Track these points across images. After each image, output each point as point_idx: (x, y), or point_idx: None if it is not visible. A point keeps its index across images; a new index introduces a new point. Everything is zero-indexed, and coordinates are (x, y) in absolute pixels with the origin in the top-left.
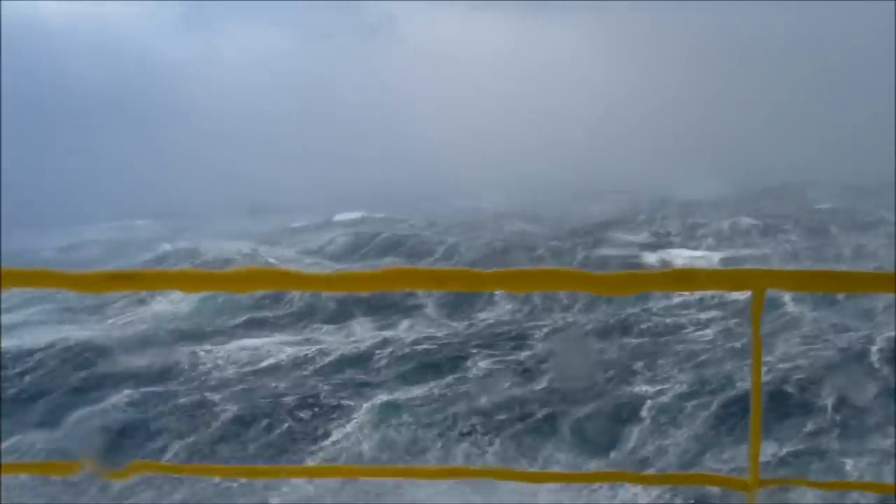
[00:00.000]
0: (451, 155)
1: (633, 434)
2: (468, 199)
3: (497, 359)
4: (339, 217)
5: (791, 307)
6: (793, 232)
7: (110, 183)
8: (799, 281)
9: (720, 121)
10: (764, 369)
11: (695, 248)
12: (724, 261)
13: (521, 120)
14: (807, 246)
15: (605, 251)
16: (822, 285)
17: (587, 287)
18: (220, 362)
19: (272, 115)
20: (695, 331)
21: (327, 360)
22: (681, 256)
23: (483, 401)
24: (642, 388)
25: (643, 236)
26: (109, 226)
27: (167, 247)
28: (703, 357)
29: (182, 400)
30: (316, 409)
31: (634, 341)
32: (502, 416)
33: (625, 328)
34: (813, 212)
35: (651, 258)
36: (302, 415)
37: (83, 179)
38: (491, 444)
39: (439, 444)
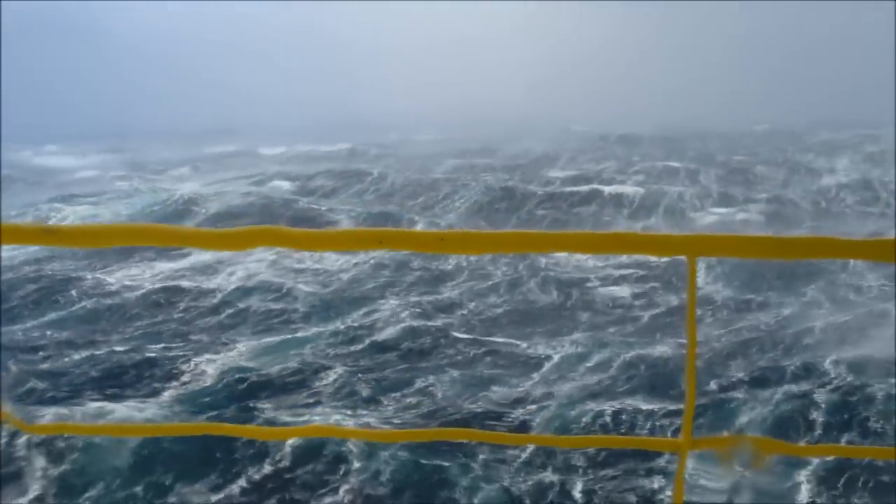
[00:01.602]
0: (390, 94)
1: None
2: (403, 133)
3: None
4: (265, 150)
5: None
6: (714, 173)
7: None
8: (733, 247)
9: (654, 66)
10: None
11: (623, 183)
12: (645, 194)
13: (459, 61)
14: (723, 190)
15: (542, 188)
16: (756, 252)
17: (514, 247)
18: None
19: (202, 47)
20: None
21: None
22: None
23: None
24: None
25: (572, 172)
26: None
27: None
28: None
29: None
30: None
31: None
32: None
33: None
34: (738, 153)
35: (583, 189)
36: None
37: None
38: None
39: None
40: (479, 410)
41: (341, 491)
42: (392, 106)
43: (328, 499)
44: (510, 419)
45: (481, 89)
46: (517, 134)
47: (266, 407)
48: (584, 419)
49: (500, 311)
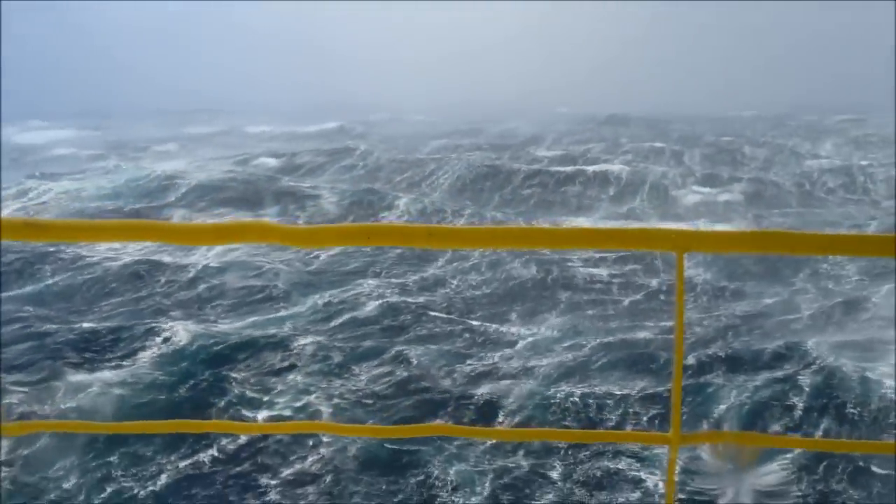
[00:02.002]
0: (378, 79)
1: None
2: (390, 113)
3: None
4: (251, 129)
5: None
6: (699, 154)
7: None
8: (721, 242)
9: (646, 55)
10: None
11: (608, 163)
12: (630, 173)
13: (444, 47)
14: (708, 171)
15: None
16: (744, 246)
17: (500, 243)
18: None
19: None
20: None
21: None
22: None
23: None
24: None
25: (559, 152)
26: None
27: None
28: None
29: None
30: None
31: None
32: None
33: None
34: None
35: (569, 169)
36: None
37: None
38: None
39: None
40: (453, 383)
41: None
42: (381, 90)
43: (298, 466)
44: (484, 393)
45: (471, 75)
46: (504, 115)
47: (240, 375)
48: (559, 396)
49: (480, 291)
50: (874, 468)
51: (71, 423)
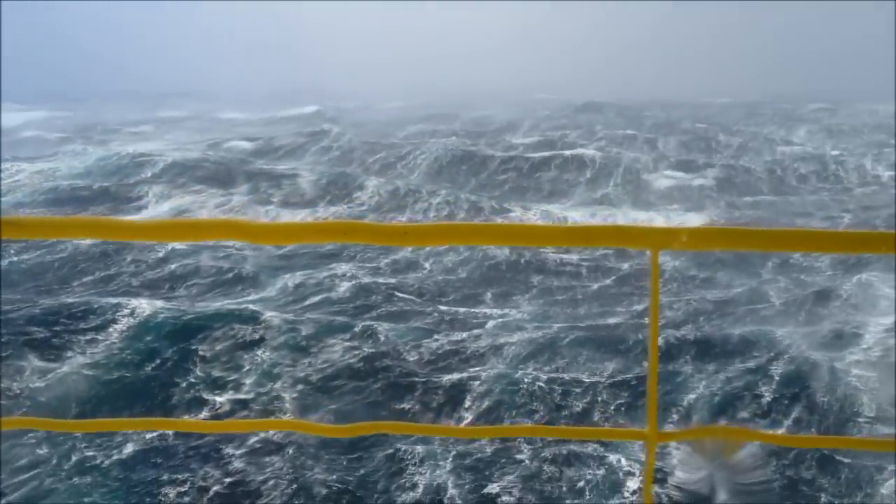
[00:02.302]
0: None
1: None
2: (364, 101)
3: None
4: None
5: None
6: (674, 140)
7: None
8: (696, 239)
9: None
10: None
11: (584, 147)
12: (604, 158)
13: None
14: (681, 157)
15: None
16: (718, 243)
17: (476, 239)
18: None
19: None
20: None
21: None
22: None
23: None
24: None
25: (535, 138)
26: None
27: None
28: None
29: None
30: None
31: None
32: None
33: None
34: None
35: (545, 154)
36: None
37: None
38: None
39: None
40: (421, 361)
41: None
42: (356, 81)
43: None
44: (453, 376)
45: (448, 62)
46: (480, 102)
47: (205, 352)
48: (527, 379)
49: (454, 277)
50: (840, 458)
51: (61, 422)
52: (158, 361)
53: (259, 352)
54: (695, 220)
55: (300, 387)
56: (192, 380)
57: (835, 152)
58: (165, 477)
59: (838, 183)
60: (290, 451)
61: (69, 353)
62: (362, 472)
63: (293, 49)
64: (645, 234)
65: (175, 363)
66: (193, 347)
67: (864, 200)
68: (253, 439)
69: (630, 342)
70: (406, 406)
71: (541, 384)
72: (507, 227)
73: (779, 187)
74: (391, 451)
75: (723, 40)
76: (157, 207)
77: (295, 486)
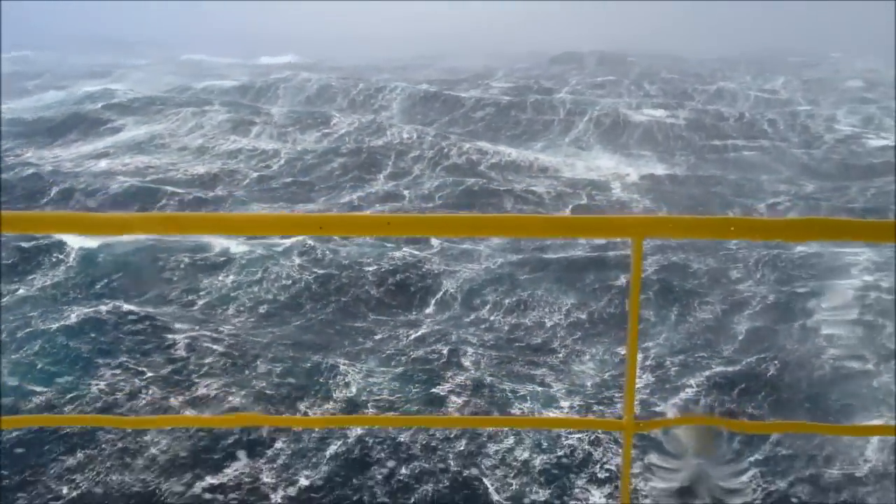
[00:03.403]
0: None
1: None
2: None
3: None
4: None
5: None
6: (656, 88)
7: None
8: (679, 228)
9: None
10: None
11: (559, 92)
12: (578, 99)
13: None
14: (658, 100)
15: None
16: (701, 232)
17: (459, 231)
18: None
19: None
20: None
21: None
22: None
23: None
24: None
25: (510, 84)
26: None
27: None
28: None
29: None
30: None
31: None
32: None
33: None
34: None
35: (520, 98)
36: None
37: None
38: None
39: None
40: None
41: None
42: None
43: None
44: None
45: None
46: (456, 51)
47: (174, 290)
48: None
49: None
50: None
51: (60, 416)
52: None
53: (221, 276)
54: (661, 168)
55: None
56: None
57: (806, 107)
58: None
59: (805, 132)
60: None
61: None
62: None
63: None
64: (628, 224)
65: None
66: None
67: (833, 151)
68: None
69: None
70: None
71: (498, 315)
72: (493, 218)
73: (746, 131)
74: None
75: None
76: (132, 131)
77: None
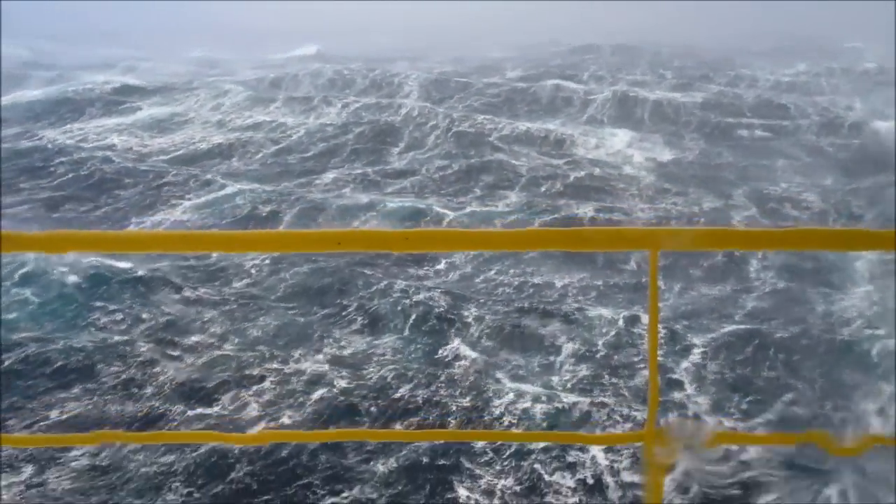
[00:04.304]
0: None
1: None
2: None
3: None
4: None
5: None
6: (668, 73)
7: None
8: (694, 240)
9: None
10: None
11: (573, 78)
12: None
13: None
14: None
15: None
16: (716, 243)
17: (478, 245)
18: None
19: None
20: None
21: None
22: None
23: None
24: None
25: (526, 72)
26: None
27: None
28: None
29: None
30: None
31: None
32: None
33: None
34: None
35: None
36: None
37: None
38: None
39: None
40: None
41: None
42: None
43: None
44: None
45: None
46: (469, 42)
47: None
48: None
49: (442, 173)
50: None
51: (58, 437)
52: None
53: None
54: (667, 154)
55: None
56: None
57: (825, 94)
58: None
59: (824, 114)
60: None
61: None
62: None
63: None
64: (644, 236)
65: None
66: None
67: (851, 137)
68: None
69: None
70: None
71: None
72: (509, 233)
73: (762, 111)
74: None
75: None
76: (151, 110)
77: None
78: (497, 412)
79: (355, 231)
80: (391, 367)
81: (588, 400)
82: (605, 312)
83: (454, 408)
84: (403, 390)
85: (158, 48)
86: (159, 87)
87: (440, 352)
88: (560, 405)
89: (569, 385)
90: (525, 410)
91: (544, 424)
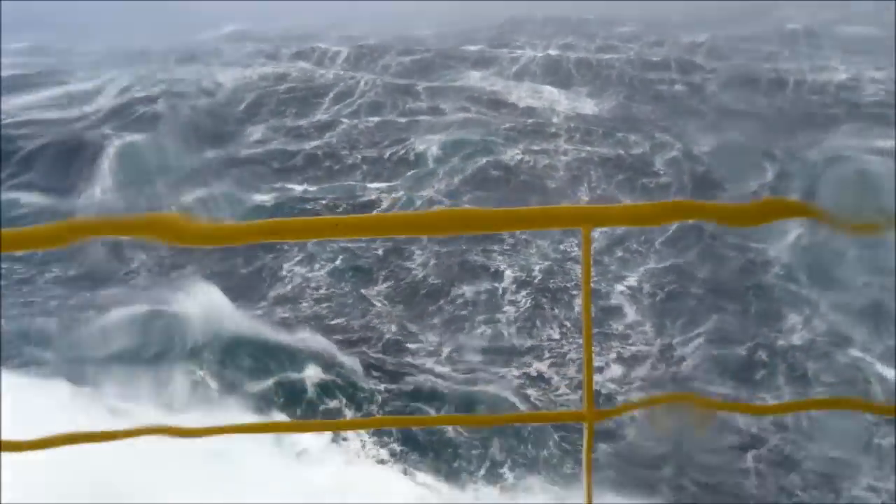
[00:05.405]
0: None
1: None
2: None
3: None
4: None
5: None
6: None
7: None
8: (626, 216)
9: None
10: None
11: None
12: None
13: None
14: None
15: None
16: (649, 219)
17: (418, 231)
18: None
19: None
20: None
21: None
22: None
23: None
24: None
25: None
26: None
27: None
28: None
29: None
30: None
31: None
32: None
33: None
34: None
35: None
36: None
37: None
38: None
39: None
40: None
41: None
42: None
43: None
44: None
45: None
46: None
47: None
48: None
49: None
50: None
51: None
52: None
53: None
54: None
55: None
56: None
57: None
58: None
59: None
60: None
61: None
62: None
63: None
64: (576, 214)
65: None
66: None
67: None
68: None
69: None
70: None
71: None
72: (440, 213)
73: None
74: None
75: None
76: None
77: None
78: None
79: (287, 221)
80: None
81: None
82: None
83: None
84: None
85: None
86: None
87: None
88: None
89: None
90: None
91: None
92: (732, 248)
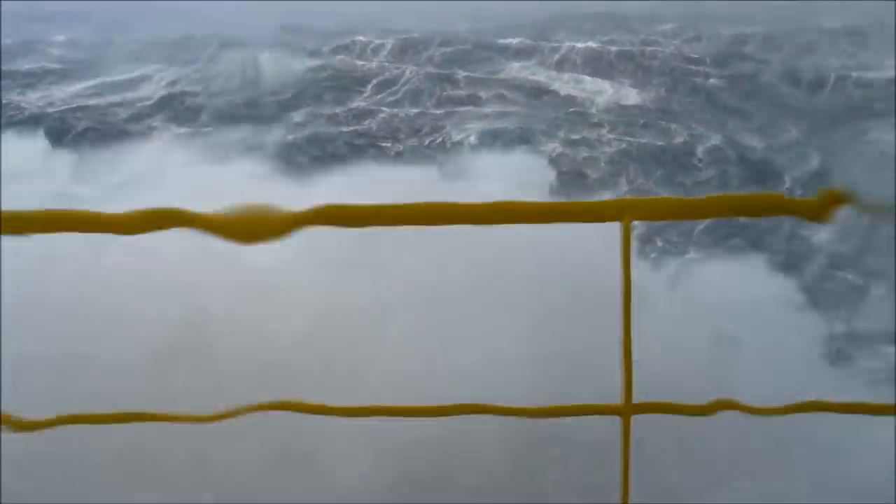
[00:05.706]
0: None
1: None
2: None
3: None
4: None
5: None
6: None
7: None
8: (666, 209)
9: None
10: None
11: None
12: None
13: None
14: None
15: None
16: (689, 213)
17: (457, 221)
18: None
19: None
20: None
21: None
22: None
23: None
24: None
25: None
26: None
27: None
28: None
29: None
30: None
31: None
32: None
33: None
34: None
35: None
36: None
37: None
38: None
39: None
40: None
41: None
42: None
43: None
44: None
45: None
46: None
47: None
48: None
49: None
50: None
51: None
52: None
53: None
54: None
55: None
56: None
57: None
58: None
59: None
60: None
61: None
62: None
63: None
64: (615, 207)
65: None
66: None
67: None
68: None
69: None
70: None
71: None
72: (480, 205)
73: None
74: None
75: None
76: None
77: None
78: None
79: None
80: None
81: None
82: None
83: None
84: None
85: None
86: None
87: None
88: None
89: None
90: None
91: None
92: None
